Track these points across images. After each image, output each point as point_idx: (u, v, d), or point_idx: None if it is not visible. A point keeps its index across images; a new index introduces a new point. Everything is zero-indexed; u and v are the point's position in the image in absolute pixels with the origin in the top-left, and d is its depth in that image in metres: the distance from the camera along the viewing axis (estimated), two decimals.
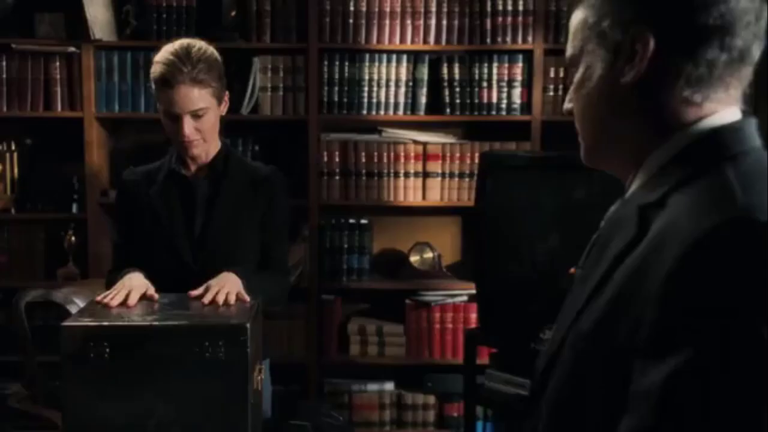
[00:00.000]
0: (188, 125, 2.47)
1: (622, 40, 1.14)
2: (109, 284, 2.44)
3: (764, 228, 0.96)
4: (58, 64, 3.94)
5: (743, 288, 0.94)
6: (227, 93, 2.59)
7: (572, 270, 1.31)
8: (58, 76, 3.94)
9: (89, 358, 1.96)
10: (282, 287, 2.70)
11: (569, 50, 1.25)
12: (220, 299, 2.23)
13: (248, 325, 1.97)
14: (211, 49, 2.54)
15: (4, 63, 3.93)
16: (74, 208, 4.04)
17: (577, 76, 1.23)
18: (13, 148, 4.03)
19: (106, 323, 2.00)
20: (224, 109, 2.59)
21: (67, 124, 3.97)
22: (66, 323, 1.99)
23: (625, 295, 1.06)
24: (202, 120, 2.49)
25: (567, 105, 1.28)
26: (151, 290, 2.31)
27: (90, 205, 4.01)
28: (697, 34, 1.10)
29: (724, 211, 1.00)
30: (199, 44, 2.51)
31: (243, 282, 2.34)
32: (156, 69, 2.47)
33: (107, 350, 1.96)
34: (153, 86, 2.51)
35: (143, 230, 2.61)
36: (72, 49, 3.91)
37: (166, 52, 2.48)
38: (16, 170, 4.04)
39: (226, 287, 2.27)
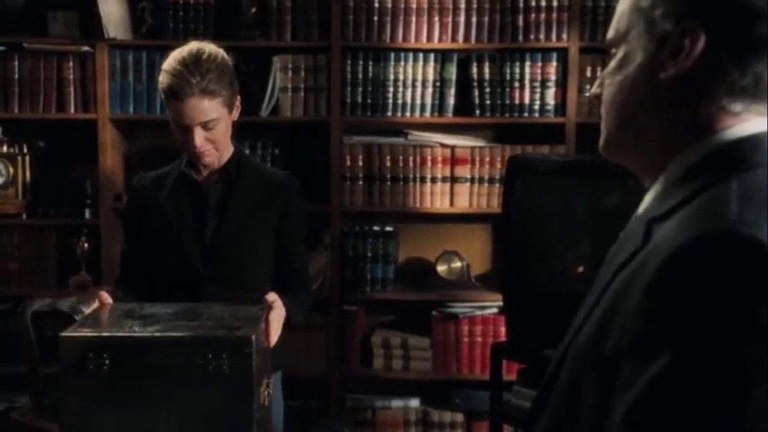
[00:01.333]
0: (199, 136, 2.50)
1: (670, 32, 1.13)
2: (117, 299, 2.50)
3: (747, 242, 0.95)
4: (71, 63, 3.98)
5: (714, 302, 0.94)
6: (239, 98, 2.61)
7: (580, 269, 1.33)
8: (71, 77, 3.98)
9: (88, 370, 1.96)
10: (310, 301, 2.74)
11: (612, 32, 1.24)
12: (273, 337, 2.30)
13: (253, 338, 1.96)
14: (221, 55, 2.54)
15: (15, 63, 3.97)
16: (87, 213, 4.08)
17: (615, 60, 1.22)
18: (25, 150, 4.06)
19: (105, 334, 2.00)
20: (236, 114, 2.62)
21: (80, 126, 4.01)
22: (64, 333, 1.99)
23: (616, 304, 1.07)
24: (213, 130, 2.52)
25: (595, 89, 1.27)
26: None
27: (103, 210, 4.04)
28: (752, 42, 1.09)
29: (711, 222, 1.00)
30: (208, 50, 2.51)
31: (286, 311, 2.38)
32: (164, 79, 2.49)
33: (107, 362, 1.96)
34: (162, 95, 2.54)
35: (152, 236, 2.65)
36: (85, 48, 3.95)
37: (174, 60, 2.49)
38: (28, 173, 4.07)
39: (278, 323, 2.32)
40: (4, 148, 4.05)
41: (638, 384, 0.97)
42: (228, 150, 2.65)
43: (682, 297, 0.95)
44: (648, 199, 1.19)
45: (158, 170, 2.75)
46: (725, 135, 1.11)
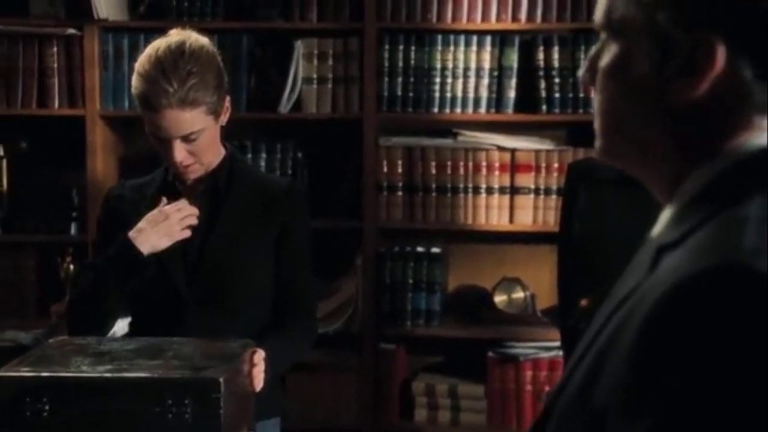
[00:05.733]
0: (179, 151, 2.52)
1: (678, 40, 1.08)
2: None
3: (760, 279, 0.93)
4: (55, 49, 4.02)
5: (718, 347, 0.93)
6: (228, 98, 2.62)
7: (583, 302, 1.30)
8: (56, 65, 4.03)
9: (24, 416, 1.97)
10: (308, 339, 2.76)
11: (600, 13, 1.19)
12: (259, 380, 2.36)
13: (222, 379, 1.95)
14: (206, 50, 2.55)
15: None
16: (73, 228, 4.13)
17: (609, 55, 1.17)
18: (2, 153, 4.11)
19: (45, 374, 2.01)
20: (225, 118, 2.64)
21: (65, 124, 4.05)
22: None
23: (608, 347, 1.05)
24: (196, 142, 2.54)
25: (585, 76, 1.23)
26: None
27: (92, 225, 4.04)
28: None
29: (720, 253, 0.98)
30: (191, 46, 2.52)
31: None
32: (136, 83, 2.52)
33: (46, 407, 1.97)
34: (135, 100, 2.57)
35: None
36: (72, 30, 3.99)
37: (147, 61, 2.50)
38: (4, 181, 4.12)
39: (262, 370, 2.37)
40: None
41: None
42: (217, 155, 2.67)
43: (676, 342, 0.94)
44: (662, 221, 1.16)
45: (141, 178, 2.78)
46: (746, 146, 1.09)
